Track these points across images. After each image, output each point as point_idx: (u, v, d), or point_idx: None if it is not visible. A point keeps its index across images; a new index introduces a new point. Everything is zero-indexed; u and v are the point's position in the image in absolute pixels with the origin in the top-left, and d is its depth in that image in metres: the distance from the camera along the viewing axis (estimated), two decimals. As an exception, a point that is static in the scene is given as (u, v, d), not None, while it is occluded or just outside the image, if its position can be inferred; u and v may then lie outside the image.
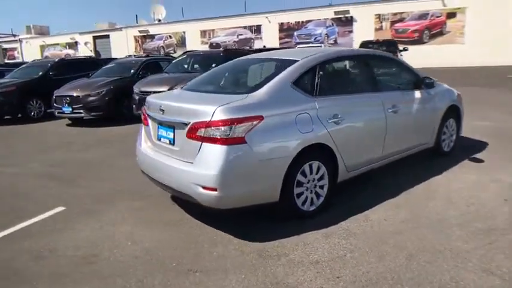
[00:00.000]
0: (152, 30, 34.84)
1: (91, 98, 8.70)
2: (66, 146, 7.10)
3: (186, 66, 9.46)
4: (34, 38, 42.32)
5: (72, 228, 3.48)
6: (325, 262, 2.73)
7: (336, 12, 27.45)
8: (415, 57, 17.39)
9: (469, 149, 5.33)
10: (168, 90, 7.31)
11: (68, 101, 8.80)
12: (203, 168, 2.92)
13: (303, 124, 3.18)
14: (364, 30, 26.04)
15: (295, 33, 29.00)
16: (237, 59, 4.38)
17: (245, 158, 2.91)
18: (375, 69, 4.14)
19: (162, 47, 34.11)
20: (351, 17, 27.20)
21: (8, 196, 4.46)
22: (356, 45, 23.87)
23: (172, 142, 3.27)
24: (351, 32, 27.27)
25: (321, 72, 3.54)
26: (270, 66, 3.84)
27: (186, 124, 3.06)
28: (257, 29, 30.41)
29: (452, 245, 2.87)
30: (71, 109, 8.78)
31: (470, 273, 2.52)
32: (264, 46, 19.19)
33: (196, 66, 9.31)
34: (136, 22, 37.33)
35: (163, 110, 3.31)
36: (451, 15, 24.32)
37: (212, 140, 2.90)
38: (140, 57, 11.17)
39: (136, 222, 3.53)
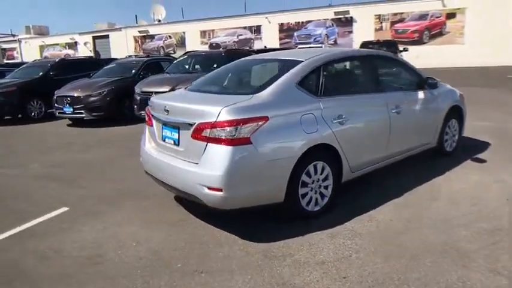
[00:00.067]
0: (152, 30, 34.81)
1: (92, 98, 8.69)
2: (67, 146, 7.09)
3: (187, 66, 9.46)
4: (33, 38, 42.25)
5: (77, 229, 3.47)
6: (331, 262, 2.74)
7: (335, 13, 27.45)
8: (418, 57, 17.41)
9: (471, 149, 5.34)
10: (170, 90, 7.31)
11: (69, 101, 8.79)
12: (208, 168, 2.92)
13: (307, 124, 3.19)
14: (364, 30, 26.04)
15: (295, 34, 28.99)
16: (241, 59, 4.38)
17: (250, 158, 2.92)
18: (378, 69, 4.14)
19: (162, 47, 34.08)
20: (351, 17, 27.20)
21: (10, 197, 4.45)
22: (356, 46, 23.88)
23: (177, 143, 3.27)
24: (350, 32, 27.27)
25: (325, 73, 3.54)
26: (274, 67, 3.84)
27: (191, 125, 3.06)
28: (257, 30, 30.39)
29: (457, 245, 2.88)
30: (72, 109, 8.77)
31: (476, 273, 2.52)
32: (265, 46, 19.21)
33: (197, 66, 9.32)
34: (136, 22, 37.31)
35: (168, 111, 3.31)
36: (451, 15, 24.33)
37: (218, 140, 2.90)
38: (141, 58, 11.16)
39: (140, 223, 3.53)
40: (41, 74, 10.66)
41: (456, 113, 5.04)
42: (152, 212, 3.75)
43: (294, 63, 3.52)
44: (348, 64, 4.23)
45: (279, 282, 2.54)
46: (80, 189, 4.60)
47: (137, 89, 8.13)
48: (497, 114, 7.72)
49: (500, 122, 7.01)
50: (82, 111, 8.74)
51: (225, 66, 4.37)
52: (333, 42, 27.71)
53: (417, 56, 18.06)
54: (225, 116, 2.89)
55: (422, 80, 4.53)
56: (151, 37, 34.83)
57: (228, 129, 2.87)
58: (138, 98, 8.00)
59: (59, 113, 9.11)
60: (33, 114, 10.21)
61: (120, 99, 8.92)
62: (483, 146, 5.52)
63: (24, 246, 3.20)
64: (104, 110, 8.78)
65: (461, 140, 5.33)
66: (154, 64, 10.30)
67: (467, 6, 23.59)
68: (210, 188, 2.91)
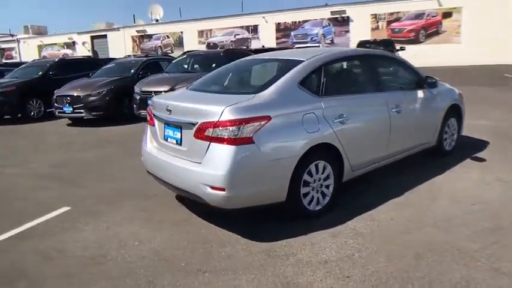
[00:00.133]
0: (150, 30, 34.74)
1: (92, 98, 8.68)
2: (67, 146, 7.08)
3: (186, 66, 9.46)
4: (32, 37, 42.10)
5: (78, 229, 3.47)
6: (333, 262, 2.74)
7: (332, 12, 27.48)
8: (416, 55, 17.43)
9: (470, 148, 5.36)
10: (169, 90, 7.32)
11: (68, 101, 8.78)
12: (211, 168, 2.92)
13: (309, 124, 3.20)
14: (361, 30, 26.08)
15: (292, 33, 29.01)
16: (241, 59, 4.39)
17: (253, 158, 2.92)
18: (378, 69, 4.16)
19: (160, 46, 34.02)
20: (347, 17, 27.24)
21: (11, 197, 4.44)
22: (353, 45, 23.91)
23: (179, 142, 3.27)
24: (347, 31, 27.30)
25: (326, 72, 3.55)
26: (275, 67, 3.85)
27: (193, 124, 3.06)
28: (254, 29, 30.39)
29: (459, 244, 2.89)
30: (71, 109, 8.76)
31: (480, 272, 2.53)
32: (263, 46, 19.21)
33: (196, 66, 9.32)
34: (134, 22, 37.25)
35: (170, 110, 3.31)
36: (447, 14, 24.42)
37: (220, 140, 2.90)
38: (140, 57, 11.14)
39: (142, 223, 3.53)
40: (40, 73, 10.63)
41: (455, 112, 5.06)
42: (154, 212, 3.75)
43: (295, 62, 3.53)
44: (348, 64, 4.24)
45: (282, 281, 2.55)
46: (80, 188, 4.59)
47: (137, 89, 8.13)
48: (495, 113, 7.76)
49: (498, 121, 7.05)
50: (82, 110, 8.73)
51: (226, 65, 4.37)
52: (329, 42, 27.75)
53: (415, 55, 18.08)
54: (227, 115, 2.89)
55: (421, 79, 4.55)
56: (149, 37, 34.77)
57: (230, 128, 2.87)
58: (138, 97, 7.99)
59: (58, 112, 9.09)
60: (32, 113, 10.18)
61: (119, 98, 8.92)
62: (482, 144, 5.54)
63: (26, 246, 3.20)
64: (104, 109, 8.78)
65: (460, 139, 5.36)
66: (153, 64, 10.29)
67: (463, 5, 23.67)
68: (212, 188, 2.92)
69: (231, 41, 30.83)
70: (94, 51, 36.96)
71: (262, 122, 2.94)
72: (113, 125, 8.73)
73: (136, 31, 35.19)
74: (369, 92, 3.96)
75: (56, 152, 6.63)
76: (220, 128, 2.90)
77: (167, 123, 3.43)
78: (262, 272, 2.66)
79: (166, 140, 3.45)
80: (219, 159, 2.89)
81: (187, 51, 10.53)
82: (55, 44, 40.39)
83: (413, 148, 4.47)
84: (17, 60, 37.55)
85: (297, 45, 21.23)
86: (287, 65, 3.54)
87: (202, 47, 30.69)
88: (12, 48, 43.26)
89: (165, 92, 7.15)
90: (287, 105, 3.16)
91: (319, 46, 22.84)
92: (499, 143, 5.58)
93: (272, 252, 2.90)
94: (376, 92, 3.96)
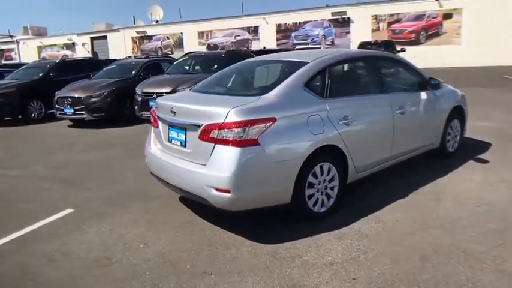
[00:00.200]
0: (150, 31, 34.75)
1: (93, 99, 8.68)
2: (68, 147, 7.07)
3: (187, 67, 9.46)
4: (31, 38, 42.11)
5: (83, 231, 3.46)
6: (339, 264, 2.74)
7: (333, 13, 27.50)
8: (416, 56, 17.46)
9: (473, 149, 5.36)
10: (171, 91, 7.32)
11: (69, 102, 8.77)
12: (216, 170, 2.92)
13: (314, 126, 3.19)
14: (361, 31, 26.12)
15: (293, 34, 29.03)
16: (245, 60, 4.38)
17: (258, 160, 2.92)
18: (382, 70, 4.16)
19: (160, 47, 34.03)
20: (348, 18, 27.27)
21: (14, 199, 4.43)
22: (353, 46, 23.95)
23: (184, 144, 3.26)
24: (348, 33, 27.32)
25: (331, 74, 3.55)
26: (279, 68, 3.85)
27: (198, 126, 3.06)
28: (254, 30, 30.41)
29: (465, 246, 2.89)
30: (72, 110, 8.75)
31: (486, 274, 2.53)
32: (264, 47, 19.18)
33: (197, 67, 9.32)
34: (134, 23, 37.26)
35: (175, 112, 3.31)
36: (448, 16, 24.45)
37: (225, 141, 2.90)
38: (141, 59, 11.14)
39: (146, 225, 3.52)
40: (41, 75, 10.63)
41: (458, 113, 5.07)
42: (158, 213, 3.75)
43: (299, 64, 3.53)
44: (352, 65, 4.24)
45: (288, 283, 2.54)
46: (83, 190, 4.58)
47: (138, 90, 8.12)
48: (497, 114, 7.77)
49: (500, 122, 7.05)
50: (83, 112, 8.72)
51: (230, 67, 4.36)
52: (330, 43, 27.77)
53: (415, 56, 18.10)
54: (233, 117, 2.89)
55: (425, 81, 4.55)
56: (149, 38, 34.78)
57: (236, 130, 2.87)
58: (139, 98, 7.99)
59: (59, 114, 9.08)
60: (33, 115, 10.18)
61: (120, 100, 8.91)
62: (484, 146, 5.54)
63: (31, 248, 3.19)
64: (105, 110, 8.77)
65: (462, 140, 5.36)
66: (154, 65, 10.29)
67: (464, 6, 23.71)
68: (218, 190, 2.91)
69: (232, 42, 30.85)
70: (94, 53, 36.97)
71: (268, 124, 2.94)
72: (114, 126, 8.72)
73: (136, 32, 35.20)
74: (373, 93, 3.96)
75: (58, 153, 6.63)
76: (225, 129, 2.89)
77: (171, 125, 3.43)
78: (268, 274, 2.65)
79: (171, 141, 3.45)
80: (225, 161, 2.89)
81: (189, 53, 10.52)
82: (54, 45, 40.40)
83: (417, 149, 4.47)
84: (17, 61, 37.55)
85: (297, 47, 21.23)
86: (291, 67, 3.54)
87: (203, 48, 30.71)
88: (11, 49, 43.26)
89: (167, 93, 7.15)
90: (292, 107, 3.16)
91: (320, 47, 22.85)
92: (501, 145, 5.57)
93: (277, 254, 2.90)
94: (380, 93, 3.96)
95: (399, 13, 25.70)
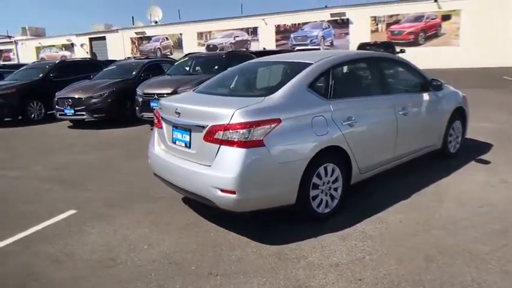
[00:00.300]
0: (149, 32, 34.74)
1: (93, 100, 8.66)
2: (69, 148, 7.06)
3: (187, 68, 9.44)
4: (30, 39, 42.01)
5: (86, 232, 3.46)
6: (344, 264, 2.74)
7: (332, 15, 27.57)
8: (416, 57, 17.47)
9: (475, 150, 5.38)
10: (172, 92, 7.31)
11: (70, 103, 8.76)
12: (221, 171, 2.92)
13: (318, 127, 3.20)
14: (360, 32, 26.19)
15: (292, 35, 29.08)
16: (248, 61, 4.39)
17: (263, 161, 2.92)
18: (385, 71, 4.18)
19: (159, 48, 34.03)
20: (347, 19, 27.34)
21: (16, 200, 4.42)
22: (352, 47, 23.99)
23: (188, 145, 3.26)
24: (347, 34, 27.40)
25: (334, 75, 3.56)
26: (283, 69, 3.86)
27: (203, 127, 3.06)
28: (254, 31, 30.45)
29: (469, 247, 2.90)
30: (73, 111, 8.73)
31: (491, 275, 2.54)
32: (264, 48, 19.17)
33: (198, 68, 9.30)
34: (133, 24, 37.23)
35: (179, 113, 3.31)
36: (446, 17, 24.55)
37: (231, 142, 2.90)
38: (141, 59, 11.13)
39: (150, 226, 3.52)
40: (40, 75, 10.60)
41: (460, 114, 5.08)
42: (161, 214, 3.74)
43: (303, 65, 3.54)
44: (356, 66, 4.26)
45: (294, 284, 2.55)
46: (85, 191, 4.58)
47: (139, 91, 8.10)
48: (497, 115, 7.80)
49: (500, 123, 7.08)
50: (83, 112, 8.71)
51: (233, 68, 4.37)
52: (329, 44, 27.82)
53: (415, 57, 18.12)
54: (238, 118, 2.89)
55: (427, 82, 4.57)
56: (148, 38, 34.77)
57: (241, 131, 2.87)
58: (140, 99, 7.97)
59: (60, 114, 9.06)
60: (33, 116, 10.16)
61: (121, 100, 8.90)
62: (486, 147, 5.56)
63: (34, 249, 3.18)
64: (105, 111, 8.75)
65: (464, 141, 5.37)
66: (154, 66, 10.27)
67: (462, 8, 23.80)
68: (223, 191, 2.91)
69: (231, 43, 30.87)
70: (93, 53, 36.93)
71: (273, 125, 2.95)
72: (115, 127, 8.72)
73: (135, 33, 35.19)
74: (376, 94, 3.97)
75: (58, 154, 6.61)
76: (230, 130, 2.90)
77: (175, 126, 3.43)
78: (274, 275, 2.66)
79: (175, 142, 3.45)
80: (230, 162, 2.89)
81: (189, 54, 10.51)
82: (53, 45, 40.33)
83: (420, 150, 4.48)
84: (15, 61, 37.46)
85: (296, 48, 21.24)
86: (295, 68, 3.55)
87: (202, 49, 30.73)
88: (9, 50, 43.16)
89: (168, 94, 7.15)
90: (297, 108, 3.16)
91: (319, 48, 22.87)
92: (502, 145, 5.60)
93: (282, 255, 2.90)
94: (383, 94, 3.97)
95: (398, 14, 25.79)
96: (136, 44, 35.37)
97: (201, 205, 3.49)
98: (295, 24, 28.98)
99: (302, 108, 3.20)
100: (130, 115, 8.65)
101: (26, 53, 40.83)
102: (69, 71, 11.01)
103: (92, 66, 11.73)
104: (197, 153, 3.16)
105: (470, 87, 11.93)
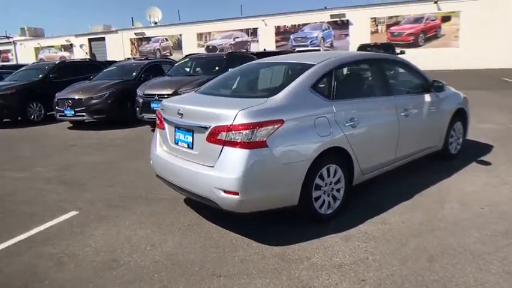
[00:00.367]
0: (148, 32, 34.73)
1: (94, 101, 8.65)
2: (70, 149, 7.06)
3: (188, 69, 9.45)
4: (28, 40, 41.95)
5: (89, 233, 3.45)
6: (348, 265, 2.75)
7: (331, 16, 27.61)
8: (415, 57, 17.51)
9: (475, 151, 5.40)
10: (173, 93, 7.31)
11: (70, 104, 8.75)
12: (224, 172, 2.92)
13: (321, 128, 3.21)
14: (360, 33, 26.21)
15: (292, 37, 29.11)
16: (250, 62, 4.40)
17: (267, 162, 2.93)
18: (387, 72, 4.19)
19: (159, 49, 34.02)
20: (347, 20, 27.38)
21: (18, 201, 4.41)
22: (352, 49, 23.99)
23: (191, 146, 3.26)
24: (347, 35, 27.43)
25: (337, 76, 3.57)
26: (285, 70, 3.86)
27: (206, 128, 3.06)
28: (253, 32, 30.47)
29: (472, 247, 2.90)
30: (73, 112, 8.73)
31: (494, 275, 2.55)
32: (265, 49, 19.17)
33: (198, 69, 9.31)
34: (132, 25, 37.21)
35: (181, 114, 3.31)
36: (446, 18, 24.60)
37: (234, 143, 2.90)
38: (141, 60, 11.13)
39: (152, 227, 3.52)
40: (40, 76, 10.59)
41: (461, 115, 5.10)
42: (163, 216, 3.74)
43: (305, 66, 3.54)
44: (358, 67, 4.27)
45: (298, 285, 2.55)
46: (87, 192, 4.57)
47: (139, 92, 8.10)
48: (497, 117, 7.82)
49: (501, 124, 7.11)
50: (83, 113, 8.70)
51: (235, 69, 4.38)
52: (329, 45, 27.84)
53: (414, 57, 18.18)
54: (241, 119, 2.90)
55: (428, 83, 4.58)
56: (148, 39, 34.76)
57: (244, 132, 2.88)
58: (141, 100, 7.96)
59: (60, 115, 9.06)
60: (32, 117, 10.14)
61: (121, 101, 8.89)
62: (486, 148, 5.57)
63: (37, 250, 3.18)
64: (106, 112, 8.75)
65: (464, 142, 5.39)
66: (155, 67, 10.27)
67: (462, 9, 23.86)
68: (226, 192, 2.92)
69: (230, 44, 30.88)
70: (92, 54, 36.91)
71: (276, 126, 2.95)
72: (115, 128, 8.71)
73: (135, 34, 35.17)
74: (378, 95, 3.98)
75: (59, 155, 6.61)
76: (233, 131, 2.90)
77: (178, 127, 3.43)
78: (277, 276, 2.66)
79: (177, 143, 3.45)
80: (233, 163, 2.89)
81: (190, 54, 10.49)
82: (52, 46, 40.27)
83: (421, 151, 4.49)
84: (13, 62, 37.40)
85: (297, 49, 21.27)
86: (298, 69, 3.56)
87: (201, 50, 30.74)
88: (8, 51, 43.06)
89: (169, 95, 7.15)
90: (299, 109, 3.17)
91: (319, 49, 22.90)
92: (503, 146, 5.61)
93: (285, 256, 2.90)
94: (385, 95, 3.98)
95: (398, 16, 25.83)
96: (135, 44, 35.36)
97: (203, 206, 3.49)
98: (295, 25, 29.01)
99: (305, 109, 3.20)
100: (131, 116, 8.65)
101: (24, 53, 40.77)
102: (68, 71, 11.01)
103: (91, 67, 11.73)
104: (200, 154, 3.16)
105: (470, 88, 11.94)
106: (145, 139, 7.33)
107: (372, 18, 26.60)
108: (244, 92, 3.97)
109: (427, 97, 4.48)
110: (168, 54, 32.19)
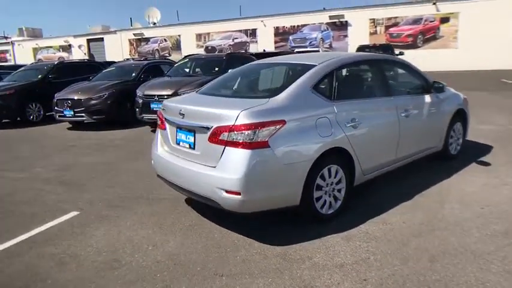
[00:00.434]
0: (147, 33, 34.71)
1: (93, 102, 8.65)
2: (69, 150, 7.05)
3: (187, 70, 9.45)
4: (27, 40, 41.85)
5: (90, 233, 3.45)
6: (349, 265, 2.76)
7: (330, 17, 27.65)
8: (415, 58, 17.57)
9: (475, 152, 5.42)
10: (173, 93, 7.31)
11: (69, 105, 8.74)
12: (226, 172, 2.93)
13: (322, 128, 3.22)
14: (359, 34, 26.26)
15: (291, 37, 29.14)
16: (251, 63, 4.41)
17: (268, 162, 2.94)
18: (388, 73, 4.21)
19: (157, 50, 34.01)
20: (346, 21, 27.42)
21: (18, 201, 4.40)
22: (351, 50, 24.05)
23: (192, 146, 3.27)
24: (346, 36, 27.47)
25: (338, 77, 3.58)
26: (287, 71, 3.87)
27: (208, 128, 3.07)
28: (252, 33, 30.49)
29: (472, 247, 2.92)
30: (72, 112, 8.71)
31: (494, 275, 2.56)
32: (264, 50, 19.18)
33: (198, 70, 9.32)
34: (131, 25, 37.18)
35: (183, 114, 3.32)
36: (445, 20, 24.66)
37: (236, 144, 2.91)
38: (141, 61, 11.13)
39: (154, 227, 3.52)
40: (39, 76, 10.57)
41: (460, 116, 5.12)
42: (164, 216, 3.74)
43: (307, 67, 3.56)
44: (359, 68, 4.28)
45: (300, 285, 2.55)
46: (87, 193, 4.57)
47: (139, 92, 8.10)
48: (496, 118, 7.85)
49: (500, 125, 7.13)
50: (83, 114, 8.68)
51: (236, 69, 4.39)
52: (328, 46, 27.88)
53: (413, 58, 18.23)
54: (243, 119, 2.90)
55: (429, 84, 4.59)
56: (147, 40, 34.75)
57: (246, 132, 2.88)
58: (140, 101, 7.96)
59: (59, 116, 9.04)
60: (32, 117, 10.12)
61: (120, 102, 8.89)
62: (486, 149, 5.60)
63: (39, 250, 3.18)
64: (105, 113, 8.74)
65: (464, 143, 5.40)
66: (154, 67, 10.27)
67: (460, 10, 23.94)
68: (228, 192, 2.92)
69: (229, 44, 30.89)
70: (90, 55, 36.86)
71: (278, 126, 2.96)
72: (114, 129, 8.70)
73: (134, 34, 35.15)
74: (379, 96, 4.00)
75: (58, 155, 6.60)
76: (235, 132, 2.91)
77: (179, 127, 3.43)
78: (279, 275, 2.67)
79: (179, 144, 3.45)
80: (235, 163, 2.90)
81: (189, 55, 10.50)
82: (50, 47, 40.19)
83: (421, 152, 4.51)
84: (11, 63, 37.31)
85: (296, 50, 21.28)
86: (299, 70, 3.57)
87: (200, 51, 30.73)
88: (6, 51, 42.95)
89: (168, 95, 7.15)
90: (301, 109, 3.18)
91: (318, 50, 22.92)
92: (502, 147, 5.63)
93: (287, 255, 2.91)
94: (385, 96, 4.00)
95: (397, 17, 25.89)
96: (134, 45, 35.33)
97: (204, 206, 3.50)
98: (294, 26, 29.04)
99: (306, 110, 3.21)
100: (130, 117, 8.64)
101: (22, 54, 40.69)
102: (68, 72, 10.99)
103: (90, 67, 11.72)
104: (202, 155, 3.17)
105: (469, 89, 11.99)
106: (145, 140, 7.33)
107: (370, 19, 26.65)
108: (245, 93, 3.98)
109: (428, 98, 4.50)
110: (167, 54, 32.19)
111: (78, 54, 37.08)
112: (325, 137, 3.22)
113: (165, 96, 7.06)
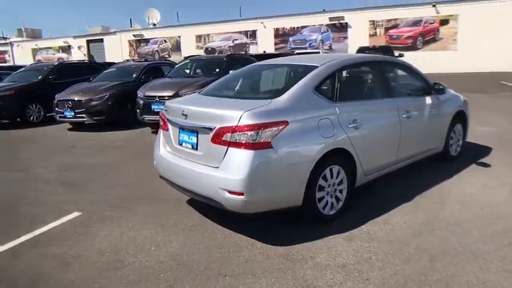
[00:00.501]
0: (147, 34, 34.73)
1: (94, 103, 8.65)
2: (70, 150, 7.06)
3: (188, 71, 9.47)
4: (26, 41, 41.84)
5: (93, 234, 3.47)
6: (351, 265, 2.78)
7: (330, 18, 27.70)
8: (415, 60, 17.64)
9: (475, 153, 5.44)
10: (173, 94, 7.33)
11: (70, 105, 8.74)
12: (229, 173, 2.95)
13: (325, 129, 3.24)
14: (359, 36, 26.31)
15: (290, 39, 29.17)
16: (252, 64, 4.43)
17: (271, 162, 2.96)
18: (390, 75, 4.23)
19: (157, 51, 34.02)
20: (346, 23, 27.48)
21: (20, 202, 4.41)
22: (351, 51, 24.12)
23: (195, 147, 3.29)
24: (345, 38, 27.52)
25: (340, 78, 3.61)
26: (289, 72, 3.90)
27: (210, 129, 3.09)
28: (252, 34, 30.52)
29: (472, 247, 2.94)
30: (73, 113, 8.72)
31: (495, 274, 2.58)
32: (264, 51, 19.20)
33: (198, 71, 9.33)
34: (131, 26, 37.20)
35: (186, 115, 3.34)
36: (444, 22, 24.72)
37: (238, 144, 2.93)
38: (141, 62, 11.15)
39: (156, 227, 3.53)
40: (39, 77, 10.57)
41: (461, 118, 5.15)
42: (166, 216, 3.76)
43: (309, 68, 3.58)
44: (361, 69, 4.31)
45: (303, 284, 2.57)
46: (88, 193, 4.58)
47: (140, 93, 8.11)
48: (496, 120, 7.88)
49: (500, 127, 7.17)
50: (83, 115, 8.69)
51: (238, 70, 4.41)
52: (328, 48, 27.91)
53: (414, 60, 18.29)
54: (246, 120, 2.93)
55: (429, 86, 4.62)
56: (146, 41, 34.77)
57: (249, 133, 2.90)
58: (141, 102, 7.97)
59: (59, 117, 9.05)
60: (32, 118, 10.12)
61: (121, 103, 8.89)
62: (486, 150, 5.62)
63: (42, 250, 3.19)
64: (106, 114, 8.74)
65: (464, 144, 5.43)
66: (154, 68, 10.28)
67: (460, 12, 24.01)
68: (231, 192, 2.94)
69: (229, 46, 30.92)
70: (90, 55, 36.86)
71: (280, 127, 2.98)
72: (114, 129, 8.71)
73: (133, 35, 35.17)
74: (380, 97, 4.02)
75: (59, 156, 6.61)
76: (238, 132, 2.93)
77: (182, 128, 3.45)
78: (282, 275, 2.69)
79: (181, 144, 3.47)
80: (238, 163, 2.92)
81: (189, 56, 10.53)
82: (50, 47, 40.18)
83: (422, 153, 4.54)
84: (10, 63, 37.27)
85: (296, 51, 21.34)
86: (301, 71, 3.59)
87: (200, 52, 30.74)
88: (5, 52, 42.91)
89: (169, 97, 7.16)
90: (303, 110, 3.20)
91: (318, 52, 22.98)
92: (502, 149, 5.66)
93: (290, 256, 2.93)
94: (387, 97, 4.02)
95: (396, 19, 25.94)
96: (134, 46, 35.35)
97: (206, 206, 3.52)
98: (294, 27, 29.09)
99: (308, 111, 3.24)
100: (131, 118, 8.65)
101: (22, 55, 40.66)
102: (68, 73, 11.00)
103: (90, 68, 11.73)
104: (204, 155, 3.18)
105: (469, 91, 12.04)
106: (145, 141, 7.35)
107: (370, 21, 26.71)
108: (248, 94, 4.00)
109: (428, 99, 4.53)
110: (167, 55, 32.21)
111: (78, 55, 37.08)
112: (327, 138, 3.24)
113: (166, 98, 7.07)
